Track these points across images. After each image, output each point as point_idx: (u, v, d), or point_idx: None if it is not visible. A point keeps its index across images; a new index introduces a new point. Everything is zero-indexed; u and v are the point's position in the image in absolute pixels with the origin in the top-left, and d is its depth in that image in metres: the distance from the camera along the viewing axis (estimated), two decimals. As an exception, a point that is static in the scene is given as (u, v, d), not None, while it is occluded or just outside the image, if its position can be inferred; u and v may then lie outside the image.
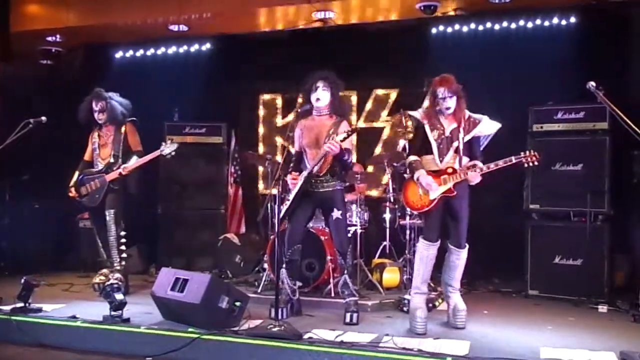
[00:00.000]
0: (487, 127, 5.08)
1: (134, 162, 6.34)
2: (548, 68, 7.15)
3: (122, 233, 6.37)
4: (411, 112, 5.27)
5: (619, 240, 6.40)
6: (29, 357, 4.75)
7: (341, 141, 5.08)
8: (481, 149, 5.14)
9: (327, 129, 5.34)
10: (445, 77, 5.05)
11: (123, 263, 6.36)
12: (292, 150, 5.61)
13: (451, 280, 5.20)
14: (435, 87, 5.04)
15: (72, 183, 6.54)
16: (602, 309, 5.89)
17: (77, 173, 6.57)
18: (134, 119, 6.62)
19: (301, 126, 5.43)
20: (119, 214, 6.37)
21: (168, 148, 6.25)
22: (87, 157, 6.66)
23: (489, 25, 7.84)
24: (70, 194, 6.51)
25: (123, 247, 6.36)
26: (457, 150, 5.03)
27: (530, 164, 4.86)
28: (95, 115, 6.49)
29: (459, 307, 5.11)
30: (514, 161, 4.84)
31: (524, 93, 7.09)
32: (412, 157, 5.15)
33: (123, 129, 6.52)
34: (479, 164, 4.94)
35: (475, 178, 4.91)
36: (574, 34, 7.38)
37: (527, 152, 4.84)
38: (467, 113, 5.09)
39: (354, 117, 8.47)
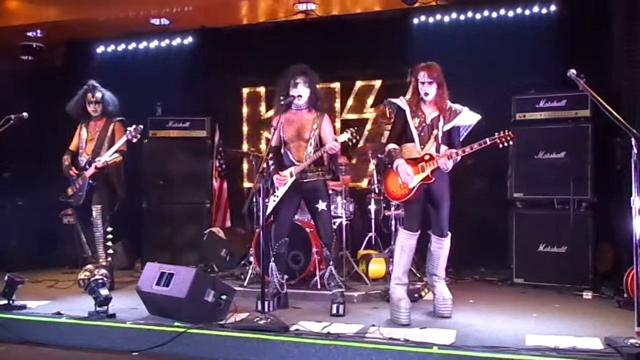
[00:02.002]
0: (467, 118, 5.07)
1: (107, 154, 6.32)
2: (530, 57, 7.18)
3: (109, 229, 6.34)
4: (392, 99, 5.26)
5: (602, 227, 6.43)
6: (14, 354, 4.73)
7: (342, 142, 5.17)
8: (460, 139, 5.12)
9: (310, 124, 5.37)
10: (429, 63, 5.06)
11: (109, 259, 6.34)
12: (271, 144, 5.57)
13: (435, 270, 5.21)
14: (417, 72, 5.06)
15: (68, 162, 6.51)
16: (587, 295, 5.94)
17: (67, 157, 6.54)
18: (124, 118, 6.59)
19: (280, 119, 5.40)
20: (105, 210, 6.34)
21: (134, 132, 6.26)
22: (72, 147, 6.62)
23: (470, 14, 7.87)
24: (72, 172, 6.44)
25: (109, 243, 6.34)
26: (436, 138, 5.02)
27: (505, 144, 4.80)
28: (90, 106, 6.48)
29: (444, 296, 5.13)
30: (488, 143, 4.79)
31: (506, 82, 7.11)
32: (391, 145, 5.13)
33: (112, 126, 6.51)
34: (454, 150, 4.92)
35: (445, 164, 4.89)
36: (554, 22, 7.41)
37: (501, 133, 4.79)
38: (449, 103, 5.09)
39: (337, 108, 8.49)
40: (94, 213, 6.30)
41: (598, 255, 6.37)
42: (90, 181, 6.33)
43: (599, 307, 5.56)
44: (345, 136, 5.19)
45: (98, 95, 6.48)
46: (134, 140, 6.35)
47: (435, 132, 5.02)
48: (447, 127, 5.05)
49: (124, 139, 6.32)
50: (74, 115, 6.57)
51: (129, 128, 6.32)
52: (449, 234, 5.14)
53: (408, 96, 5.27)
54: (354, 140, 5.25)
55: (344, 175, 6.86)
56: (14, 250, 7.99)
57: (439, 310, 5.14)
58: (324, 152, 5.22)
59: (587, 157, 6.33)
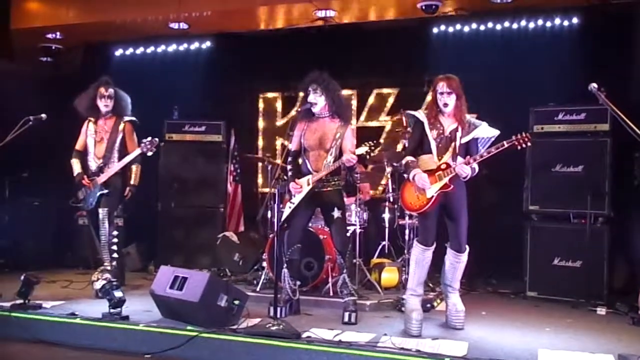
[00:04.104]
0: (486, 131, 5.01)
1: (117, 166, 6.26)
2: (549, 69, 7.15)
3: (115, 233, 6.28)
4: (410, 111, 5.23)
5: (618, 242, 6.38)
6: (29, 353, 4.76)
7: (359, 155, 5.19)
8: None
9: (333, 133, 5.37)
10: (448, 75, 5.04)
11: (114, 263, 6.26)
12: (291, 148, 5.59)
13: (450, 282, 5.17)
14: (437, 82, 5.03)
15: (79, 170, 6.39)
16: (601, 311, 5.88)
17: (76, 161, 6.42)
18: (134, 119, 6.51)
19: (303, 126, 5.42)
20: (112, 213, 6.28)
21: (149, 145, 6.21)
22: (79, 147, 6.47)
23: (490, 25, 7.85)
24: (84, 182, 6.31)
25: (114, 247, 6.27)
26: (455, 150, 4.97)
27: (523, 145, 4.74)
28: (102, 101, 6.33)
29: (457, 308, 5.10)
30: (506, 146, 4.74)
31: (525, 94, 7.07)
32: (409, 158, 5.09)
33: (122, 126, 6.40)
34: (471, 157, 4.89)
35: (463, 170, 4.81)
36: (575, 35, 7.39)
37: (518, 135, 4.74)
38: (468, 117, 5.04)
39: (353, 115, 8.49)
40: (100, 215, 6.22)
41: (613, 270, 6.32)
42: (103, 187, 6.24)
43: (613, 323, 5.50)
44: (363, 149, 5.19)
45: (111, 90, 6.37)
46: (149, 153, 6.27)
47: (453, 144, 4.97)
48: (466, 139, 4.99)
49: (138, 151, 6.25)
50: (82, 110, 6.39)
51: (144, 140, 6.24)
52: (467, 248, 5.09)
53: (424, 107, 5.26)
54: (372, 154, 5.27)
55: (359, 183, 6.83)
56: (30, 250, 8.06)
57: (451, 322, 5.11)
58: (340, 164, 5.22)
59: (605, 171, 6.27)
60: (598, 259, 6.19)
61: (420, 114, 5.12)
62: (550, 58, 7.25)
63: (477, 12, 7.82)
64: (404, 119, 6.90)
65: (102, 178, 6.25)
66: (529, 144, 4.77)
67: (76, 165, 6.43)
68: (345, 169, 5.45)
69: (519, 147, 4.77)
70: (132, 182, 6.36)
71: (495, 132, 5.01)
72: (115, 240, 6.29)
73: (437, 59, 7.49)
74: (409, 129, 5.33)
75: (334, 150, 5.34)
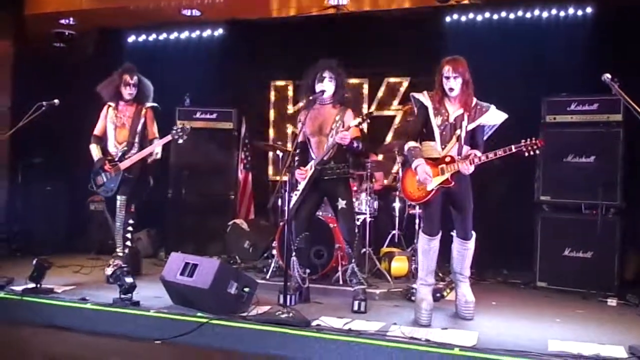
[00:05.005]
0: (493, 117, 4.88)
1: (143, 152, 6.28)
2: (562, 59, 7.11)
3: (130, 221, 6.31)
4: (415, 94, 5.08)
5: (630, 233, 6.36)
6: (40, 337, 4.81)
7: (355, 126, 5.09)
8: (484, 139, 4.95)
9: (333, 118, 5.36)
10: (455, 57, 4.86)
11: (126, 250, 6.31)
12: (299, 139, 5.55)
13: (460, 269, 5.12)
14: (442, 65, 4.87)
15: (100, 155, 6.36)
16: (612, 302, 5.86)
17: (95, 146, 6.38)
18: (156, 105, 6.53)
19: (305, 115, 5.40)
20: (130, 201, 6.30)
21: (181, 132, 6.24)
22: (98, 132, 6.43)
23: (503, 14, 7.80)
24: (107, 167, 6.26)
25: (129, 235, 6.32)
26: (459, 138, 4.83)
27: (531, 152, 4.58)
28: (126, 89, 6.32)
29: (467, 299, 5.06)
30: (513, 150, 4.59)
31: (538, 83, 7.05)
32: (412, 143, 4.92)
33: (143, 112, 6.41)
34: (478, 153, 4.74)
35: (466, 169, 4.70)
36: (589, 25, 7.34)
37: (528, 140, 4.58)
38: (475, 100, 4.90)
39: (365, 104, 8.48)
40: (118, 203, 6.24)
41: (624, 261, 6.29)
42: (126, 173, 6.23)
43: (624, 314, 5.49)
44: (356, 120, 5.10)
45: (136, 78, 6.37)
46: (180, 141, 6.28)
47: (458, 132, 4.82)
48: (471, 126, 4.85)
49: (168, 138, 6.26)
50: (106, 95, 6.37)
51: (175, 127, 6.26)
52: (473, 234, 5.04)
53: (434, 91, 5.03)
54: (364, 121, 5.15)
55: (370, 172, 6.83)
56: (42, 235, 8.11)
57: (461, 312, 5.09)
58: (333, 144, 5.19)
59: (618, 162, 6.24)
60: (609, 250, 6.17)
61: (425, 98, 4.96)
62: (563, 48, 7.20)
63: (491, 1, 7.78)
64: (413, 106, 6.88)
65: (125, 164, 6.23)
66: (537, 151, 4.61)
67: (96, 150, 6.40)
68: (348, 152, 5.39)
69: (526, 154, 4.61)
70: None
71: (502, 117, 4.90)
72: (130, 228, 6.33)
73: (449, 48, 7.37)
74: (414, 109, 5.19)
75: (333, 132, 5.31)
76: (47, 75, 8.36)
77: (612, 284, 6.11)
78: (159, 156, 6.46)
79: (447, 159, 4.80)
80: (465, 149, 4.85)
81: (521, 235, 6.88)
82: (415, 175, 4.86)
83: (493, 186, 7.16)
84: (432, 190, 4.82)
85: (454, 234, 5.10)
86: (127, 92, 6.36)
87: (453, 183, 4.79)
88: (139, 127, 6.38)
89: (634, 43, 6.82)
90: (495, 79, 6.75)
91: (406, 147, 4.98)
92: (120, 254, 6.26)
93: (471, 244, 5.05)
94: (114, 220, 6.40)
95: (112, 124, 6.39)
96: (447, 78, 4.82)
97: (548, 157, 6.49)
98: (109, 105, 6.45)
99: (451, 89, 4.83)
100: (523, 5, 7.66)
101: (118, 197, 6.26)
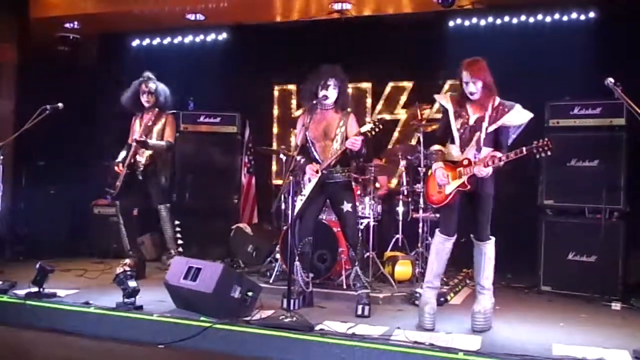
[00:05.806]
0: (516, 117, 4.78)
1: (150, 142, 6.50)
2: (565, 63, 7.11)
3: (176, 222, 6.66)
4: (437, 96, 5.07)
5: (634, 237, 6.33)
6: (42, 341, 4.81)
7: (364, 132, 5.06)
8: (509, 141, 4.85)
9: (337, 122, 5.37)
10: (473, 60, 4.78)
11: (180, 249, 6.69)
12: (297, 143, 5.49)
13: (479, 279, 4.95)
14: (461, 70, 4.80)
15: (119, 159, 6.62)
16: (616, 306, 5.85)
17: (123, 152, 6.65)
18: (176, 111, 6.79)
19: (306, 119, 5.39)
20: (165, 206, 6.65)
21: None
22: (130, 141, 6.70)
23: (506, 19, 7.83)
24: (117, 169, 6.53)
25: (179, 235, 6.71)
26: (478, 142, 4.75)
27: (543, 154, 4.49)
28: (143, 97, 6.58)
29: (479, 310, 4.83)
30: (525, 152, 4.52)
31: (541, 88, 7.03)
32: (435, 147, 4.94)
33: (164, 119, 6.66)
34: (497, 154, 4.64)
35: (480, 172, 4.63)
36: (592, 29, 7.35)
37: (539, 142, 4.49)
38: (498, 100, 4.82)
39: (368, 108, 8.49)
40: (163, 213, 6.58)
41: (628, 265, 6.28)
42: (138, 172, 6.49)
43: (628, 318, 5.48)
44: (367, 127, 5.05)
45: (152, 86, 6.59)
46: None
47: (477, 134, 4.75)
48: (492, 127, 4.75)
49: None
50: (129, 106, 6.67)
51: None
52: (491, 238, 4.90)
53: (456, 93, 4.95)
54: (377, 130, 5.04)
55: (374, 176, 6.82)
56: (45, 238, 8.10)
57: (472, 323, 4.85)
58: (345, 147, 5.17)
59: (621, 166, 6.22)
60: (613, 254, 6.15)
61: (446, 100, 4.92)
62: (566, 52, 7.20)
63: (494, 6, 7.80)
64: (418, 112, 6.88)
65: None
66: (549, 152, 4.49)
67: (121, 154, 6.66)
68: (353, 156, 5.39)
69: (537, 156, 4.53)
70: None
71: (527, 117, 4.79)
72: (178, 229, 6.73)
73: (453, 52, 7.44)
74: (424, 122, 5.22)
75: (339, 137, 5.32)
76: (51, 79, 8.38)
77: (616, 287, 6.09)
78: (162, 143, 6.63)
79: (465, 162, 4.76)
80: (486, 151, 4.74)
81: (525, 240, 6.87)
82: (435, 179, 4.87)
83: (497, 190, 7.12)
84: (450, 193, 4.80)
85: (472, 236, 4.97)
86: (145, 100, 6.61)
87: (469, 186, 4.75)
88: (156, 127, 6.63)
89: (637, 47, 6.81)
90: (498, 83, 6.70)
91: (430, 150, 5.04)
92: (174, 253, 6.59)
93: (488, 250, 4.89)
94: (126, 223, 6.69)
95: (136, 132, 6.62)
96: (467, 83, 4.76)
97: (551, 161, 6.46)
98: (137, 116, 6.73)
99: (472, 93, 4.78)
100: (526, 10, 7.67)
101: (161, 207, 6.64)
